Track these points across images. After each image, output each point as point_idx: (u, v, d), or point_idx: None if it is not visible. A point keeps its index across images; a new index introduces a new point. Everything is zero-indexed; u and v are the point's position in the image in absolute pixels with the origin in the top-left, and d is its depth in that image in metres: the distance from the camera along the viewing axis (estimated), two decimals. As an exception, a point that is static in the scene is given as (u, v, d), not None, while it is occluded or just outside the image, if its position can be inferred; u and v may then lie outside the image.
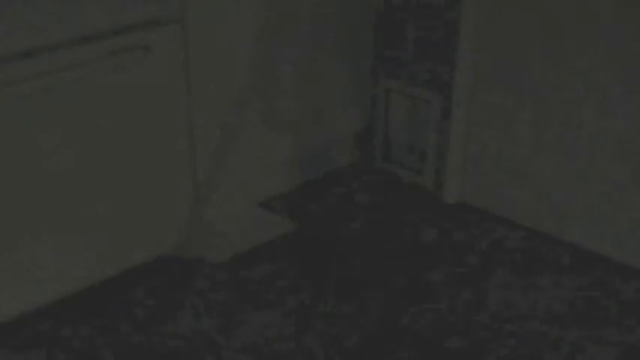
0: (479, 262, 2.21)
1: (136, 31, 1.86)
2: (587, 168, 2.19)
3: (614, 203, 2.17)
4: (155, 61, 1.90)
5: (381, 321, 1.99)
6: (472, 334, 1.95)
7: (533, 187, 2.32)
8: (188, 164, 2.08)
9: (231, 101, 2.20)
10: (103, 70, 1.81)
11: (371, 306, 2.05)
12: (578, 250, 2.26)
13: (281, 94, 2.33)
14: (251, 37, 2.18)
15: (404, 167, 2.62)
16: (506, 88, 2.28)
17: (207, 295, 2.08)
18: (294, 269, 2.19)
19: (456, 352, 1.89)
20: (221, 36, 2.10)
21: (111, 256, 1.99)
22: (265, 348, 1.90)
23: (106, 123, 1.87)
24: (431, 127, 2.49)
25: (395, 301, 2.07)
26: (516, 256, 2.24)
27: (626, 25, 2.01)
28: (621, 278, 2.15)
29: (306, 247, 2.28)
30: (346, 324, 1.98)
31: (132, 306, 2.03)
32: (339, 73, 2.49)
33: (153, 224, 2.05)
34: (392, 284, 2.13)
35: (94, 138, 1.86)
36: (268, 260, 2.22)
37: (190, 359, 1.86)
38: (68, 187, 1.84)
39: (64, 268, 1.89)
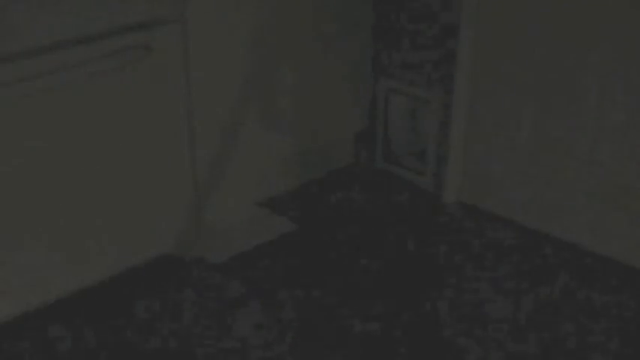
0: (479, 262, 2.21)
1: (136, 31, 1.86)
2: (588, 168, 2.19)
3: (614, 203, 2.17)
4: (155, 61, 1.90)
5: (382, 321, 1.99)
6: (473, 333, 1.95)
7: (533, 187, 2.33)
8: (188, 164, 2.09)
9: (231, 101, 2.20)
10: (103, 70, 1.81)
11: (371, 306, 2.05)
12: (577, 250, 2.26)
13: (281, 94, 2.33)
14: (251, 37, 2.18)
15: (404, 167, 2.62)
16: (506, 88, 2.29)
17: (206, 295, 2.08)
18: (294, 269, 2.19)
19: (457, 352, 1.89)
20: (221, 36, 2.10)
21: (111, 256, 1.99)
22: (265, 348, 1.90)
23: (106, 123, 1.87)
24: (431, 127, 2.49)
25: (395, 300, 2.07)
26: (516, 256, 2.24)
27: (626, 24, 2.02)
28: (621, 278, 2.15)
29: (306, 247, 2.28)
30: (346, 324, 1.98)
31: (132, 306, 2.03)
32: (339, 73, 2.49)
33: (153, 224, 2.05)
34: (392, 284, 2.13)
35: (95, 138, 1.86)
36: (268, 260, 2.22)
37: (190, 359, 1.86)
38: (68, 187, 1.84)
39: (65, 268, 1.89)
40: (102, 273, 2.00)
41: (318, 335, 1.95)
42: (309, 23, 2.34)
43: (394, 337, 1.94)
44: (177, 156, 2.05)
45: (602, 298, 2.07)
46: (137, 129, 1.93)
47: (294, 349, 1.90)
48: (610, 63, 2.07)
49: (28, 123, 1.73)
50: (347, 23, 2.45)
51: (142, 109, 1.93)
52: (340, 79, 2.51)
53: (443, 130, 2.46)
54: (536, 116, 2.25)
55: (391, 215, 2.44)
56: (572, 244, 2.28)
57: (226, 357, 1.87)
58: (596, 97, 2.12)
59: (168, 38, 1.93)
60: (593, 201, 2.21)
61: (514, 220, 2.40)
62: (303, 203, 2.50)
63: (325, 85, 2.46)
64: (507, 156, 2.35)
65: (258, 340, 1.92)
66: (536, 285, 2.12)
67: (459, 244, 2.30)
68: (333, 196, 2.54)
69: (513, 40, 2.23)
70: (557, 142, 2.23)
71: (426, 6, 2.37)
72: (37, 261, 1.84)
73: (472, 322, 1.99)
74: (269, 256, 2.24)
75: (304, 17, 2.31)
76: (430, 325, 1.98)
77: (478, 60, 2.32)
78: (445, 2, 2.32)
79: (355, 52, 2.52)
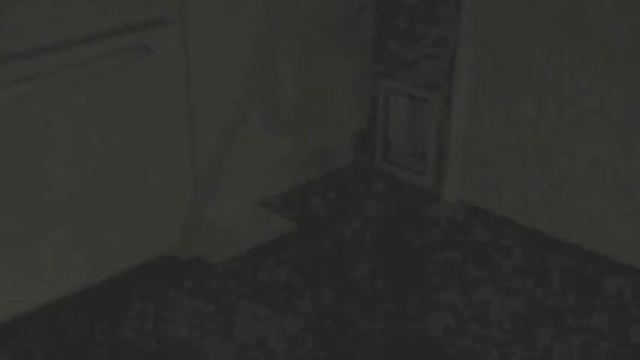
0: (479, 263, 2.21)
1: (136, 31, 1.86)
2: (587, 168, 2.19)
3: (614, 203, 2.17)
4: (155, 61, 1.90)
5: (382, 322, 1.99)
6: (474, 334, 1.95)
7: (533, 187, 2.33)
8: (188, 164, 2.08)
9: (231, 101, 2.20)
10: (103, 70, 1.81)
11: (372, 307, 2.05)
12: (577, 250, 2.26)
13: (281, 94, 2.33)
14: (251, 37, 2.18)
15: (404, 167, 2.62)
16: (506, 88, 2.29)
17: (206, 295, 2.08)
18: (294, 269, 2.19)
19: (459, 354, 1.89)
20: (221, 36, 2.10)
21: (111, 256, 1.99)
22: (264, 348, 1.90)
23: (106, 123, 1.87)
24: (431, 127, 2.49)
25: (396, 301, 2.07)
26: (516, 256, 2.24)
27: (626, 24, 2.02)
28: (621, 278, 2.15)
29: (306, 247, 2.28)
30: (346, 324, 1.98)
31: (132, 306, 2.03)
32: (339, 73, 2.49)
33: (153, 224, 2.05)
34: (392, 284, 2.13)
35: (94, 138, 1.86)
36: (268, 260, 2.22)
37: (189, 359, 1.86)
38: (68, 187, 1.84)
39: (65, 267, 1.89)
40: (101, 273, 2.00)
41: (318, 335, 1.95)
42: (309, 23, 2.34)
43: (395, 337, 1.94)
44: (177, 156, 2.05)
45: (602, 298, 2.07)
46: (137, 129, 1.93)
47: (294, 349, 1.90)
48: (610, 63, 2.07)
49: (27, 123, 1.73)
50: (347, 23, 2.45)
51: (142, 110, 1.93)
52: (340, 78, 2.51)
53: (443, 130, 2.46)
54: (536, 116, 2.25)
55: (391, 215, 2.44)
56: (573, 244, 2.28)
57: (226, 357, 1.87)
58: (596, 97, 2.12)
59: (168, 38, 1.93)
60: (593, 201, 2.21)
61: (514, 220, 2.40)
62: (303, 203, 2.50)
63: (325, 85, 2.46)
64: (507, 156, 2.35)
65: (258, 341, 1.92)
66: (537, 285, 2.12)
67: (459, 244, 2.30)
68: (333, 196, 2.54)
69: (513, 40, 2.23)
70: (557, 142, 2.23)
71: (427, 5, 2.38)
72: (36, 261, 1.84)
73: (472, 322, 1.99)
74: (269, 256, 2.24)
75: (304, 17, 2.31)
76: (431, 325, 1.98)
77: (478, 60, 2.32)
78: (447, 1, 2.33)
79: (355, 52, 2.52)
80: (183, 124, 2.03)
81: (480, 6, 2.27)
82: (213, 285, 2.12)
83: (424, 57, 2.44)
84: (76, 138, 1.82)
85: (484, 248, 2.28)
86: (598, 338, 1.93)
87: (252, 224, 2.38)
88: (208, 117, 2.14)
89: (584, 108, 2.15)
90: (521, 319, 1.99)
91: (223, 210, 2.33)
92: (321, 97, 2.47)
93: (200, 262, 2.20)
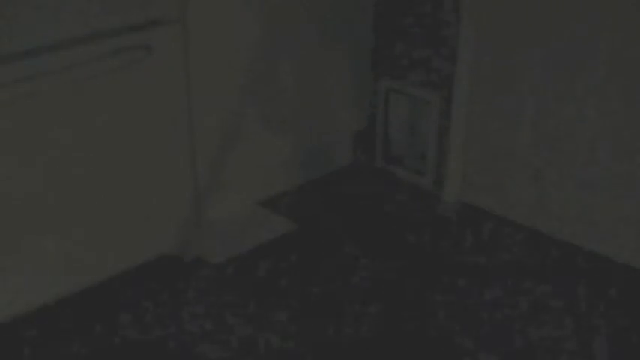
0: (479, 262, 2.21)
1: (136, 31, 1.86)
2: (587, 168, 2.19)
3: (614, 203, 2.17)
4: (155, 61, 1.90)
5: (381, 322, 1.99)
6: (473, 333, 1.95)
7: (533, 187, 2.33)
8: (188, 164, 2.09)
9: (231, 101, 2.20)
10: (103, 70, 1.81)
11: (371, 307, 2.05)
12: (577, 250, 2.26)
13: (281, 94, 2.33)
14: (251, 37, 2.18)
15: (404, 167, 2.62)
16: (507, 88, 2.29)
17: (206, 295, 2.08)
18: (294, 269, 2.19)
19: (456, 351, 1.89)
20: (221, 36, 2.10)
21: (111, 256, 1.99)
22: (265, 348, 1.90)
23: (106, 123, 1.87)
24: (431, 127, 2.49)
25: (396, 301, 2.07)
26: (516, 256, 2.24)
27: (626, 24, 2.02)
28: (622, 278, 2.15)
29: (306, 247, 2.28)
30: (346, 324, 1.98)
31: (132, 306, 2.03)
32: (339, 72, 2.50)
33: (153, 224, 2.05)
34: (393, 285, 2.13)
35: (95, 138, 1.86)
36: (268, 260, 2.22)
37: (189, 359, 1.86)
38: (68, 187, 1.84)
39: (65, 267, 1.89)
40: (102, 273, 2.00)
41: (318, 335, 1.95)
42: (309, 23, 2.34)
43: (395, 337, 1.94)
44: (178, 156, 2.05)
45: (603, 298, 2.07)
46: (137, 129, 1.93)
47: (293, 349, 1.90)
48: (610, 63, 2.07)
49: (27, 123, 1.73)
50: (347, 23, 2.45)
51: (142, 110, 1.93)
52: (340, 78, 2.51)
53: (443, 130, 2.46)
54: (536, 116, 2.25)
55: (391, 215, 2.44)
56: (573, 243, 2.28)
57: (225, 357, 1.87)
58: (597, 96, 2.12)
59: (169, 38, 1.93)
60: (593, 201, 2.21)
61: (514, 220, 2.39)
62: (303, 203, 2.50)
63: (325, 85, 2.46)
64: (507, 156, 2.35)
65: (259, 341, 1.93)
66: (537, 285, 2.12)
67: (459, 244, 2.30)
68: (333, 196, 2.54)
69: (513, 40, 2.23)
70: (557, 143, 2.23)
71: (426, 6, 2.38)
72: (37, 262, 1.84)
73: (471, 321, 1.99)
74: (269, 256, 2.24)
75: (304, 17, 2.31)
76: (430, 325, 1.98)
77: (478, 60, 2.32)
78: (447, 2, 2.33)
79: (355, 51, 2.52)
80: (183, 124, 2.04)
81: (479, 6, 2.27)
82: (213, 285, 2.12)
83: (424, 57, 2.44)
84: (75, 138, 1.82)
85: (484, 248, 2.28)
86: (598, 338, 1.93)
87: (252, 224, 2.38)
88: (208, 117, 2.14)
89: (585, 108, 2.15)
90: (522, 319, 1.99)
91: (223, 210, 2.33)
92: (321, 97, 2.47)
93: (200, 262, 2.20)
